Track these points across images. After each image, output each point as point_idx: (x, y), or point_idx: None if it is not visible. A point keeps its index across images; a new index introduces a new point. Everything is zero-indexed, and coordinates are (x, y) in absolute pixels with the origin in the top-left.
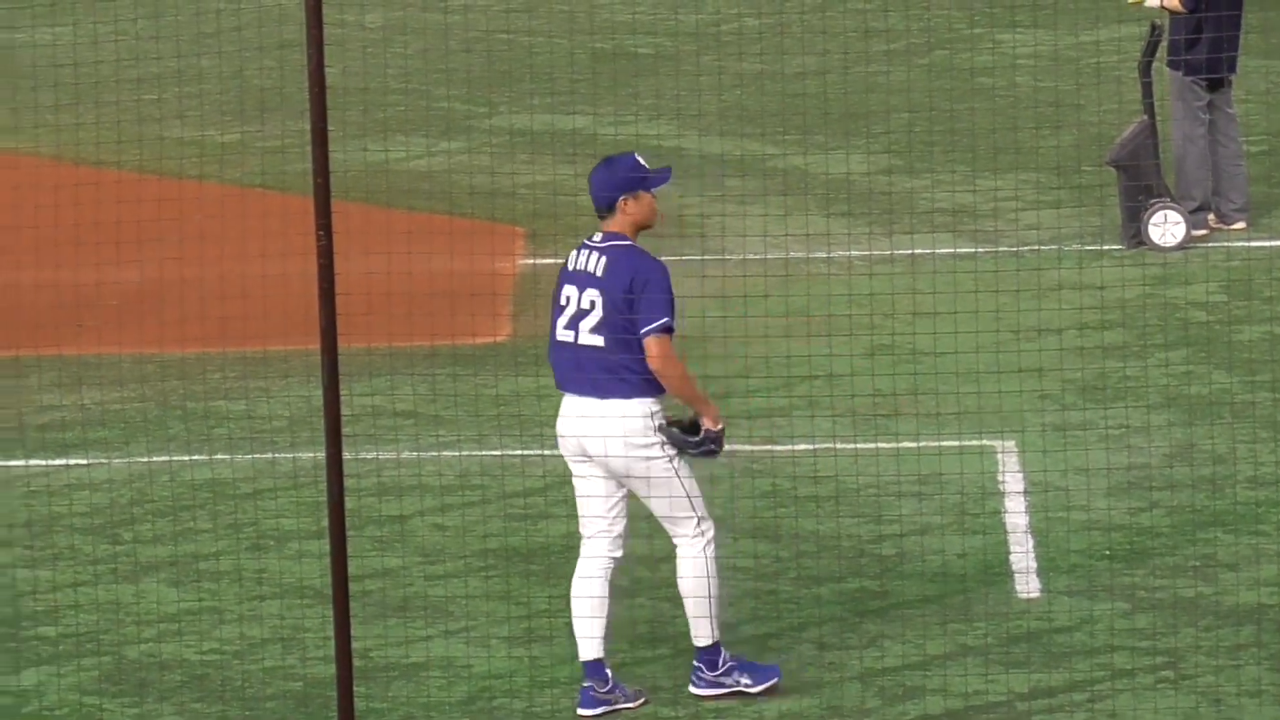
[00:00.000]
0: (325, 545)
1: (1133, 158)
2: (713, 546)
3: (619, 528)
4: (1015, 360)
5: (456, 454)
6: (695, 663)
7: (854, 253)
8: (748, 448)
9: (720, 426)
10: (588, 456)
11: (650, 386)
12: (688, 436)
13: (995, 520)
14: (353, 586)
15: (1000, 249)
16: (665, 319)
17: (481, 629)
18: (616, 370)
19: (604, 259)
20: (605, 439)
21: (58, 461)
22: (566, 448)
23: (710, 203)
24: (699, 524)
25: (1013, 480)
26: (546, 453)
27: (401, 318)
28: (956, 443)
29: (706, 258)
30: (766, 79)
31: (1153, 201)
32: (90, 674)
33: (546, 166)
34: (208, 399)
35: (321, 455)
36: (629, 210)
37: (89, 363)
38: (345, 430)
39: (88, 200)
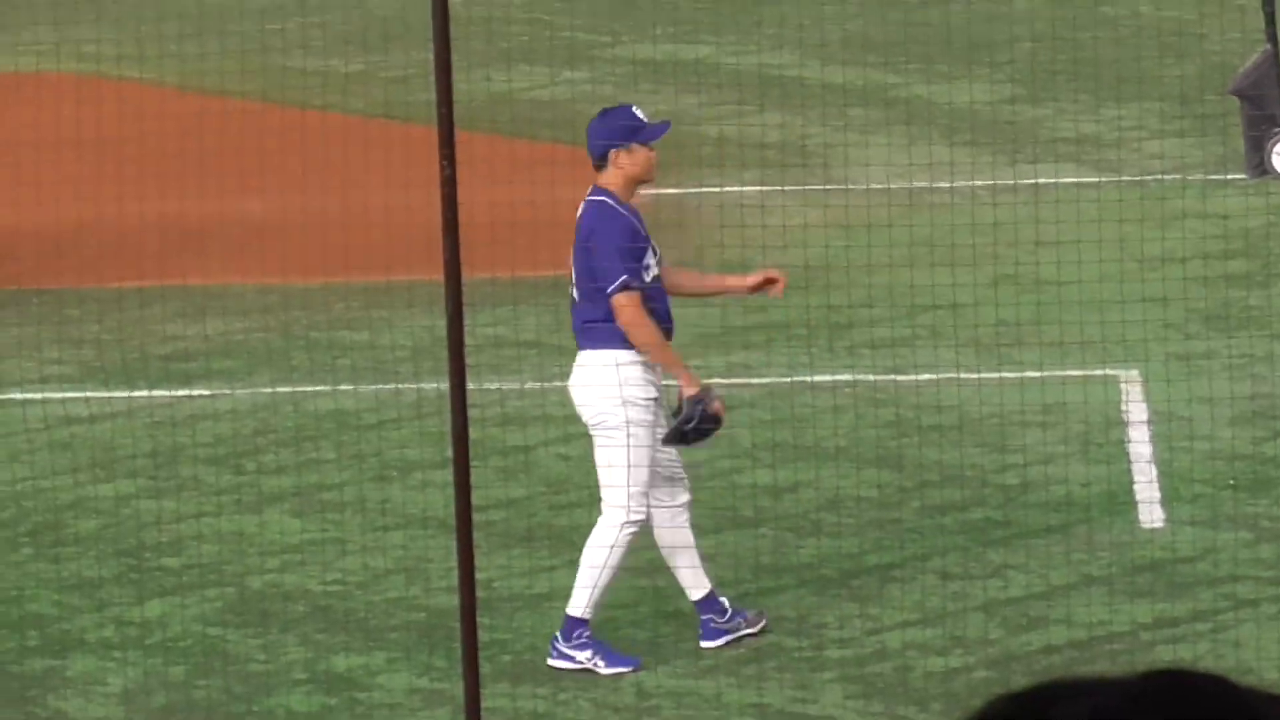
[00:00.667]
0: (449, 475)
1: (1256, 87)
2: (630, 530)
3: (673, 471)
4: (1139, 289)
5: None
6: (560, 631)
7: (977, 182)
8: (871, 377)
9: (697, 391)
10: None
11: (616, 338)
12: (679, 425)
13: (1119, 450)
14: (476, 517)
15: (1123, 178)
16: (621, 277)
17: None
18: (586, 322)
19: (581, 213)
20: (580, 389)
21: (181, 392)
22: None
23: (833, 132)
24: (629, 499)
25: (1136, 410)
26: (669, 382)
27: (525, 247)
28: (1080, 372)
29: (830, 187)
30: (889, 7)
31: (1276, 130)
32: (214, 605)
33: (669, 96)
34: (331, 329)
35: (445, 385)
36: (621, 163)
37: (212, 293)
38: (469, 360)
39: (210, 130)
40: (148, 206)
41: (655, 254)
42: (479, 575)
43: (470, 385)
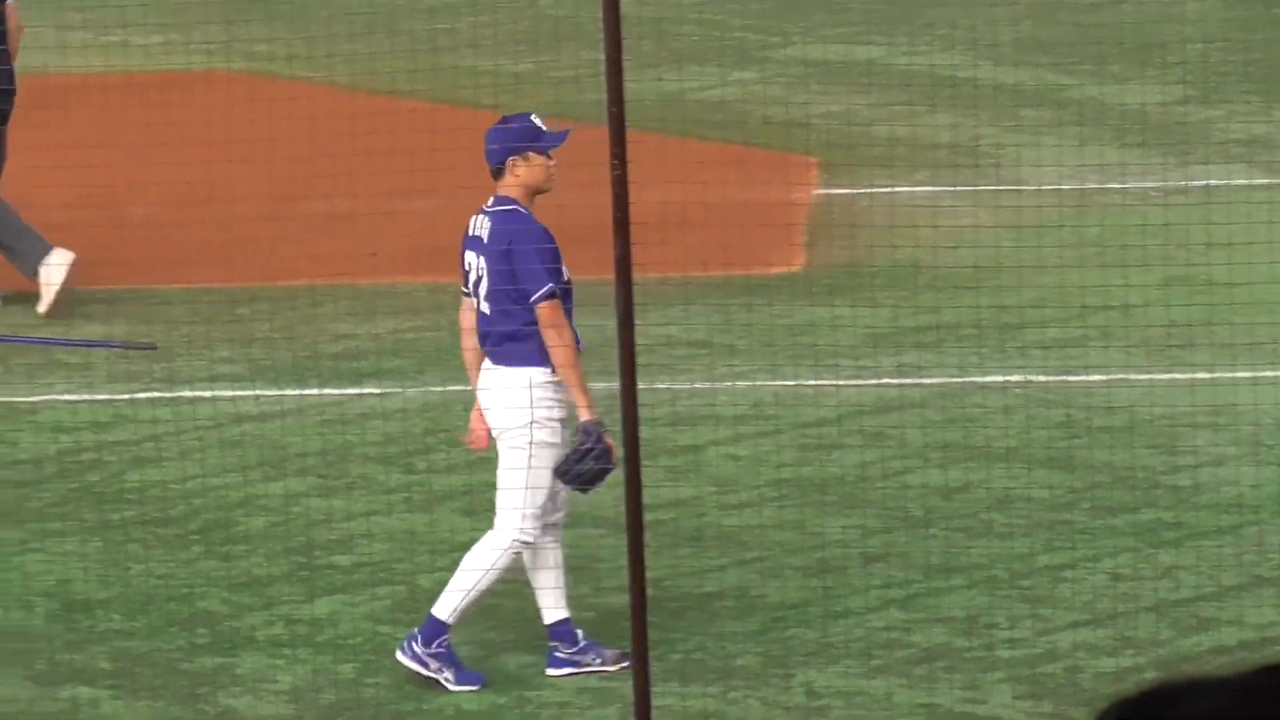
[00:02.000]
0: (620, 475)
1: None
2: (515, 550)
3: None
4: None
5: (750, 384)
6: (415, 630)
7: (1148, 183)
8: (1041, 378)
9: (595, 419)
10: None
11: (533, 357)
12: (571, 460)
13: None
14: (647, 516)
15: None
16: (547, 285)
17: (774, 559)
18: (502, 338)
19: (489, 224)
20: (493, 408)
21: (351, 390)
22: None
23: (1004, 133)
24: (519, 525)
25: None
26: (840, 382)
27: (695, 247)
28: (1250, 373)
29: (1001, 188)
30: (1060, 8)
31: None
32: (383, 603)
33: (840, 96)
34: None
35: (615, 385)
36: (518, 173)
37: (382, 292)
38: (639, 360)
39: (381, 129)
40: (317, 206)
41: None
42: (649, 574)
43: (640, 385)
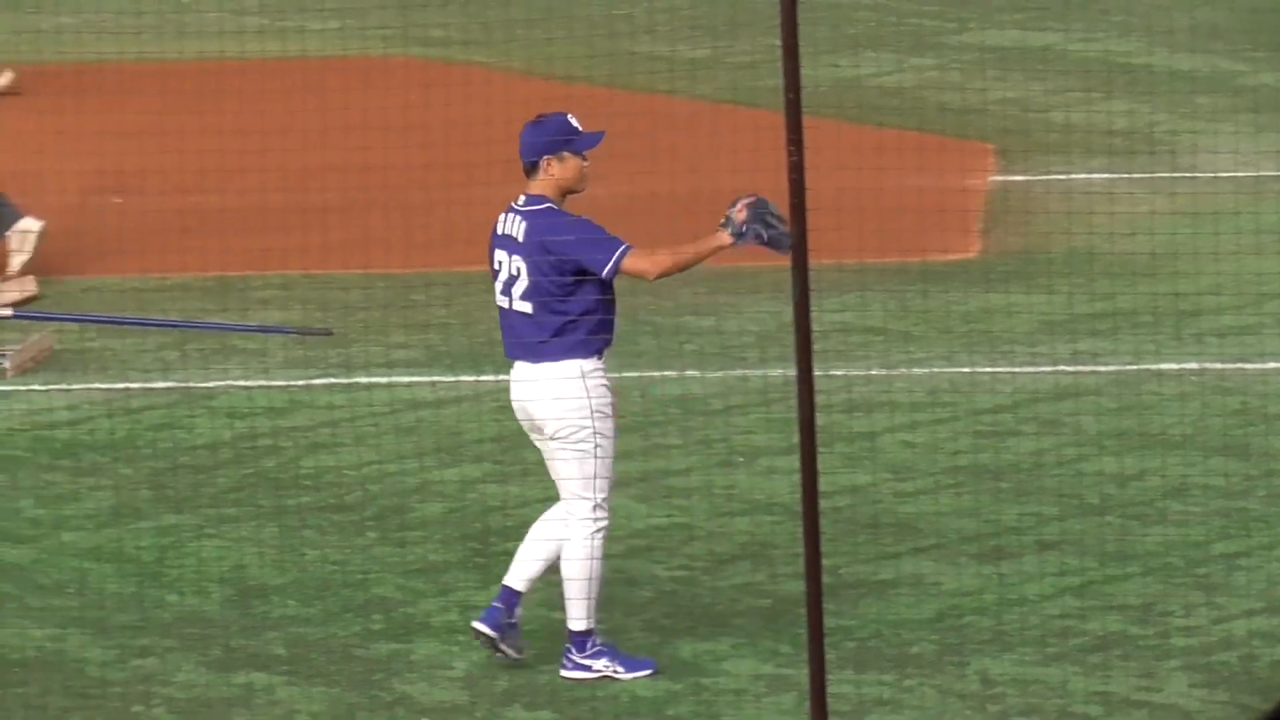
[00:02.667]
0: (795, 461)
1: None
2: (602, 536)
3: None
4: None
5: (926, 370)
6: (567, 645)
7: None
8: (1218, 365)
9: (728, 238)
10: (535, 429)
11: (581, 348)
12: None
13: None
14: (822, 503)
15: None
16: (618, 245)
17: (950, 546)
18: (547, 335)
19: (524, 223)
20: (544, 401)
21: None
22: (519, 417)
23: (1180, 119)
24: (595, 509)
25: None
26: (1016, 369)
27: (871, 234)
28: None
29: (1177, 175)
30: None
31: None
32: (557, 589)
33: (1017, 83)
34: (677, 314)
35: (791, 372)
36: (552, 172)
37: None
38: (815, 347)
39: None
40: (492, 192)
41: None
42: (825, 561)
43: (816, 371)
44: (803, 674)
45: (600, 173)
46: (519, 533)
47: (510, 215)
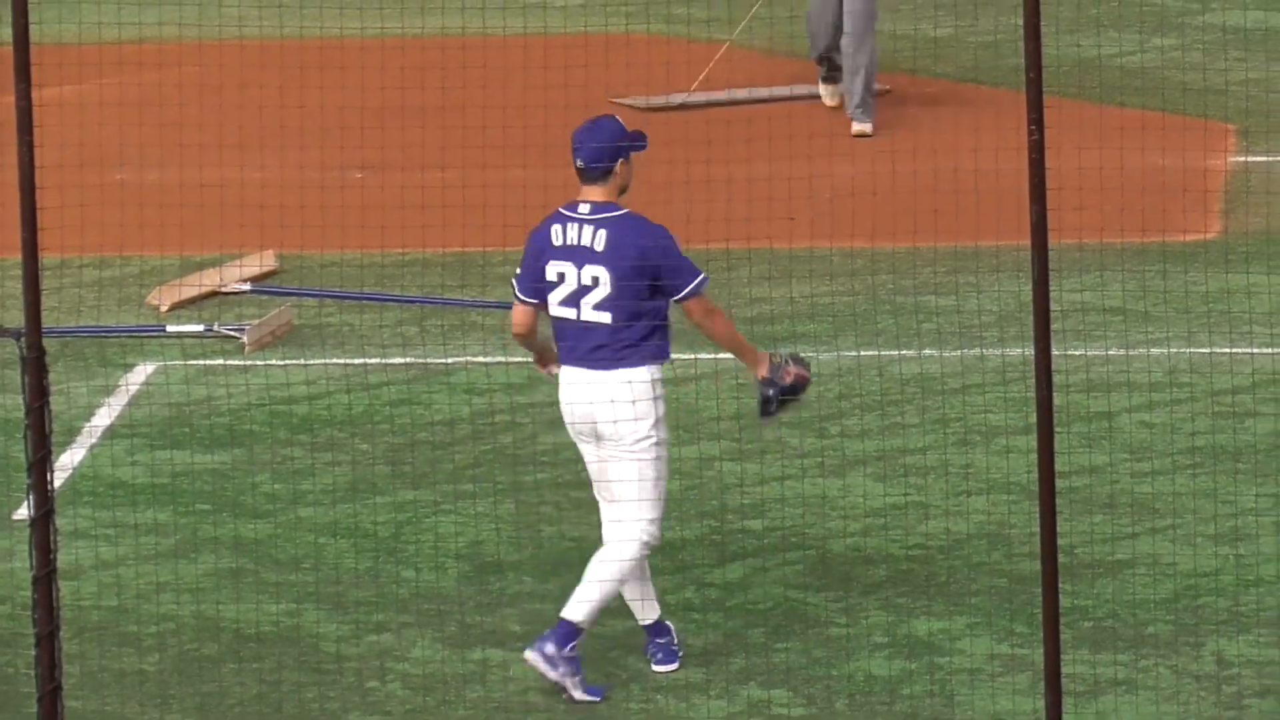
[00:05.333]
0: (1032, 441)
1: None
2: (645, 551)
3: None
4: None
5: (1164, 351)
6: (554, 629)
7: None
8: None
9: (767, 372)
10: (594, 435)
11: (656, 354)
12: (763, 405)
13: None
14: (1059, 483)
15: None
16: (700, 275)
17: (1187, 527)
18: (623, 343)
19: (603, 232)
20: (611, 406)
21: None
22: (572, 419)
23: None
24: (650, 524)
25: None
26: (1255, 350)
27: (1112, 213)
28: None
29: None
30: None
31: None
32: (795, 568)
33: (1259, 64)
34: (917, 294)
35: (1030, 351)
36: (622, 174)
37: (798, 256)
38: (1054, 326)
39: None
40: (740, 169)
41: None
42: (1061, 541)
43: (1055, 351)
44: (1038, 654)
45: (842, 150)
46: (756, 510)
47: (573, 224)
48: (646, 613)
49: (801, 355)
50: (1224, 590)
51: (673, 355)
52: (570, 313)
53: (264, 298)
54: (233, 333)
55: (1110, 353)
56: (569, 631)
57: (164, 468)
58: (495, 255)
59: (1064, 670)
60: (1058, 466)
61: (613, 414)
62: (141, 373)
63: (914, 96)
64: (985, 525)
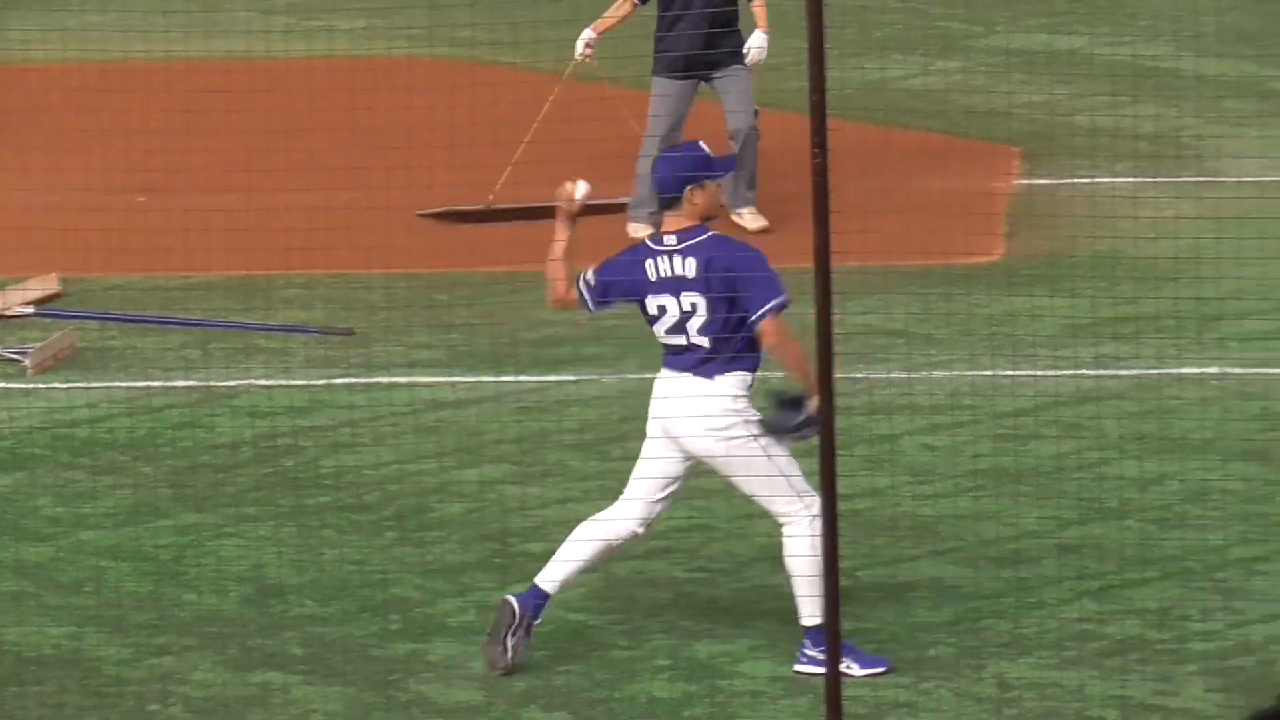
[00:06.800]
0: (815, 464)
1: None
2: (819, 521)
3: (655, 510)
4: None
5: (947, 373)
6: (804, 639)
7: None
8: (1239, 370)
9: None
10: (672, 436)
11: (742, 363)
12: (787, 416)
13: None
14: (841, 505)
15: None
16: (781, 297)
17: (969, 549)
18: (717, 357)
19: (692, 259)
20: (689, 419)
21: (549, 377)
22: (654, 417)
23: (1207, 124)
24: (800, 500)
25: None
26: (1038, 373)
27: (896, 236)
28: None
29: (1202, 179)
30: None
31: None
32: (577, 591)
33: (1043, 86)
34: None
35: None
36: (695, 201)
37: None
38: (837, 349)
39: (583, 116)
40: (521, 192)
41: None
42: (843, 564)
43: (838, 373)
44: (818, 677)
45: (629, 173)
46: (538, 534)
47: (663, 256)
48: (547, 578)
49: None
50: (1005, 613)
51: (455, 379)
52: (680, 340)
53: (47, 320)
54: (14, 356)
55: (893, 375)
56: (816, 633)
57: None
58: (278, 279)
59: (845, 693)
60: (840, 489)
61: (689, 427)
62: None
63: (699, 118)
64: (768, 548)
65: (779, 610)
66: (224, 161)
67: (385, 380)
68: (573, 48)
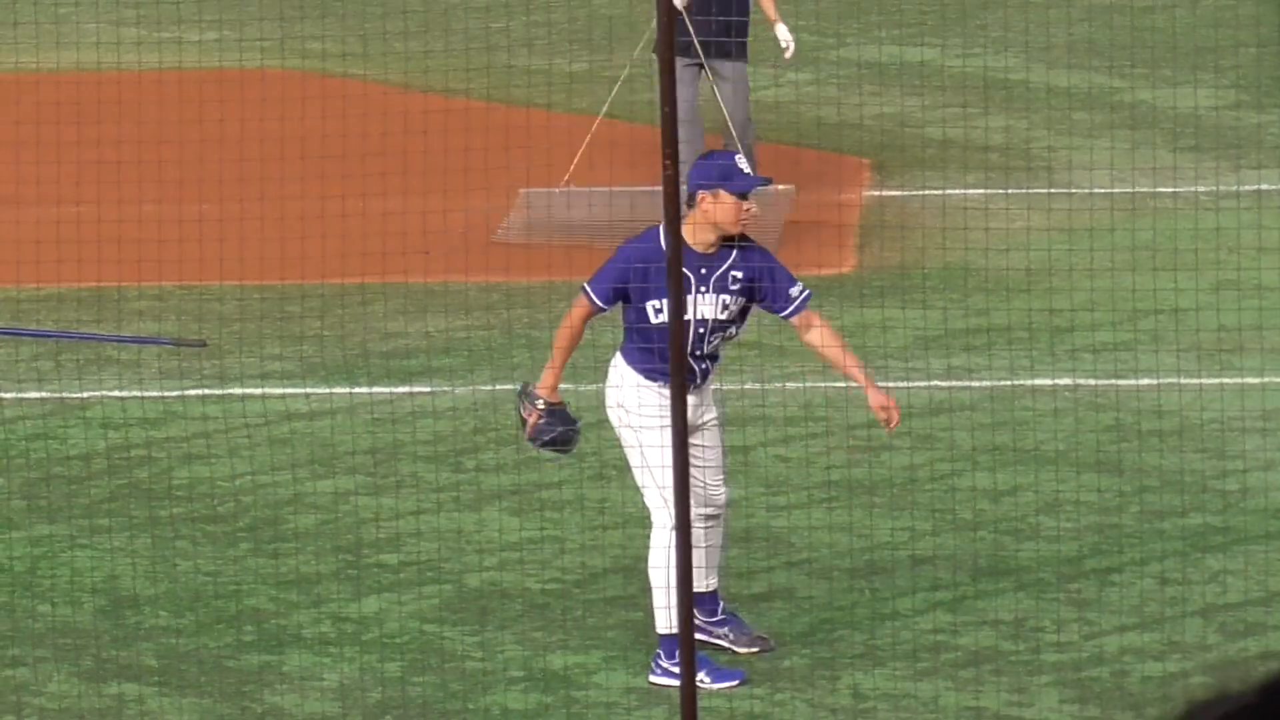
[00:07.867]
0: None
1: None
2: (669, 534)
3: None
4: None
5: (800, 385)
6: (658, 649)
7: (1200, 188)
8: (1091, 381)
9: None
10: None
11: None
12: (549, 425)
13: None
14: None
15: None
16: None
17: (823, 561)
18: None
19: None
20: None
21: (401, 389)
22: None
23: (1057, 135)
24: (666, 507)
25: None
26: (890, 384)
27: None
28: None
29: (1053, 191)
30: (1115, 12)
31: None
32: (431, 602)
33: (894, 98)
34: (553, 327)
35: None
36: (706, 208)
37: (434, 290)
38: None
39: (435, 128)
40: (371, 204)
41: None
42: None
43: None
44: (673, 688)
45: (477, 185)
46: (392, 545)
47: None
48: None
49: (530, 392)
50: (859, 624)
51: (308, 390)
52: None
53: None
54: None
55: (746, 387)
56: (668, 645)
57: None
58: (130, 290)
59: (700, 704)
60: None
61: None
62: None
63: (548, 130)
64: (621, 559)
65: (633, 622)
66: (74, 173)
67: (238, 391)
68: (421, 60)
